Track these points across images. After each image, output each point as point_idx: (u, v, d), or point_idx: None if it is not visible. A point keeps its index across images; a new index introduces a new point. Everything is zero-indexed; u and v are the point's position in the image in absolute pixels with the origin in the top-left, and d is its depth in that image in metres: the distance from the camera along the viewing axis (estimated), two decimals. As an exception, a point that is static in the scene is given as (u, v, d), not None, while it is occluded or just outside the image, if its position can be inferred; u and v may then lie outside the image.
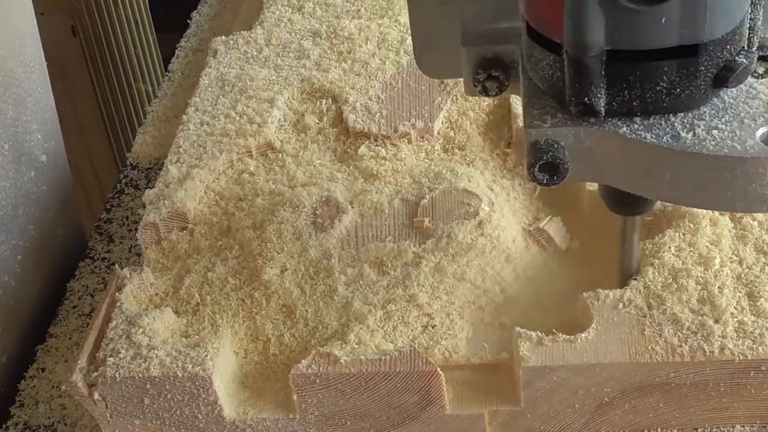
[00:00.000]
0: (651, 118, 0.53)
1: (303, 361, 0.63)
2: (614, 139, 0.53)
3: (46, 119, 0.89)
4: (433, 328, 0.69)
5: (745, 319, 0.62)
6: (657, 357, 0.61)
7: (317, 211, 0.75)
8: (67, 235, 0.92)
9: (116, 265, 0.73)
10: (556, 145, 0.53)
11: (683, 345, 0.61)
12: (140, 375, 0.63)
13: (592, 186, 0.76)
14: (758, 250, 0.67)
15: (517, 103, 0.84)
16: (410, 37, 0.63)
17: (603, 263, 0.74)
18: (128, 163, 0.99)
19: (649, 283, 0.65)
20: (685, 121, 0.53)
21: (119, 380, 0.64)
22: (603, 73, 0.51)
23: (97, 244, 0.90)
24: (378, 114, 0.84)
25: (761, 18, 0.54)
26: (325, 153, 0.83)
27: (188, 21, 1.19)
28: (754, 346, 0.61)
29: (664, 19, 0.49)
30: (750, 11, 0.52)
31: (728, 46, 0.51)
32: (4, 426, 0.75)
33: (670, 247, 0.67)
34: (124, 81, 1.45)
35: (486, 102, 0.87)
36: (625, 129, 0.53)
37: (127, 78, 1.45)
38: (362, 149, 0.82)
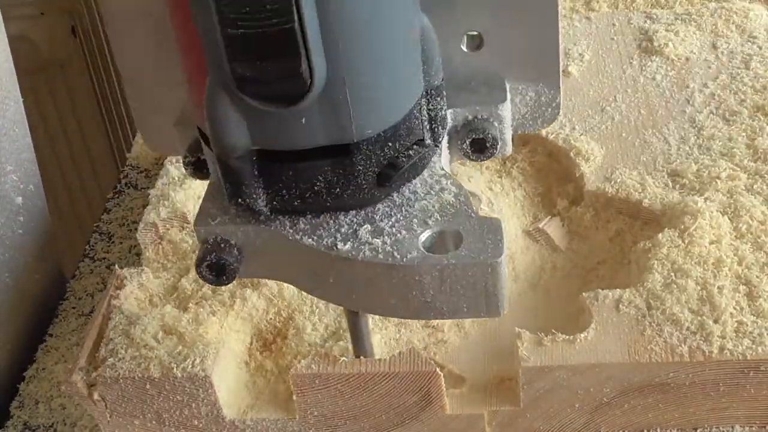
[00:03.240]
0: (320, 217, 0.51)
1: (303, 361, 0.63)
2: (280, 240, 0.51)
3: (22, 159, 0.85)
4: (433, 328, 0.69)
5: (745, 319, 0.62)
6: (656, 357, 0.61)
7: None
8: (46, 280, 0.88)
9: (116, 265, 0.73)
10: (224, 245, 0.51)
11: (682, 345, 0.61)
12: (140, 375, 0.63)
13: (592, 185, 0.76)
14: (758, 250, 0.67)
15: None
16: None
17: (602, 264, 0.74)
18: (128, 163, 0.99)
19: (649, 283, 0.65)
20: (354, 221, 0.51)
21: (119, 380, 0.64)
22: (256, 173, 0.49)
23: (97, 244, 0.90)
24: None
25: (444, 107, 0.51)
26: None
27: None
28: (754, 346, 0.61)
29: (304, 120, 0.46)
30: (426, 103, 0.50)
31: (390, 143, 0.48)
32: (4, 426, 0.75)
33: (669, 247, 0.67)
34: (124, 81, 1.45)
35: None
36: (289, 230, 0.51)
37: (127, 78, 1.45)
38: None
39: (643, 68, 0.88)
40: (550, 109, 0.57)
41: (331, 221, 0.51)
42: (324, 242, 0.50)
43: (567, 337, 0.62)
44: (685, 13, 0.94)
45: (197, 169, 0.56)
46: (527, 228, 0.76)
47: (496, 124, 0.55)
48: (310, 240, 0.50)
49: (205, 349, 0.64)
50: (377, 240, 0.49)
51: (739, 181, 0.73)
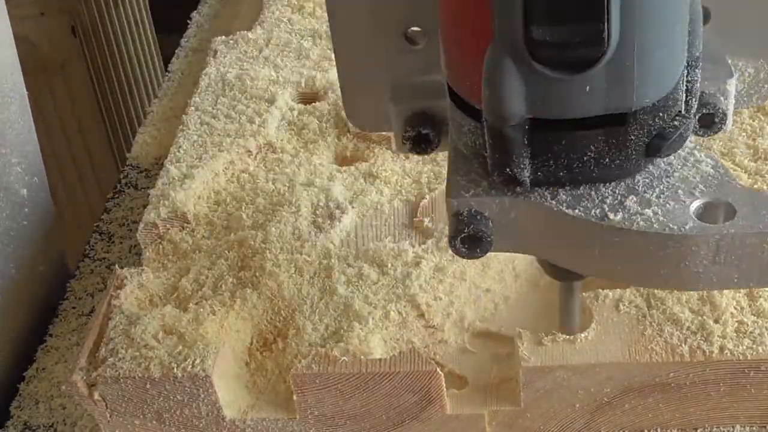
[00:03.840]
0: (580, 188, 0.50)
1: (303, 361, 0.63)
2: (540, 212, 0.50)
3: (27, 152, 0.85)
4: (433, 328, 0.69)
5: (745, 319, 0.62)
6: (657, 357, 0.61)
7: (317, 211, 0.75)
8: (51, 272, 0.89)
9: (116, 265, 0.73)
10: (479, 216, 0.51)
11: (683, 345, 0.61)
12: (140, 375, 0.63)
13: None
14: (758, 250, 0.67)
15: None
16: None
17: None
18: (128, 163, 0.99)
19: (649, 283, 0.65)
20: (617, 192, 0.50)
21: (119, 380, 0.64)
22: (526, 142, 0.48)
23: (97, 244, 0.90)
24: (378, 114, 0.84)
25: (698, 79, 0.51)
26: (325, 153, 0.83)
27: (188, 21, 1.20)
28: (754, 346, 0.61)
29: (588, 88, 0.46)
30: (686, 74, 0.49)
31: (661, 113, 0.48)
32: (4, 426, 0.75)
33: (669, 247, 0.67)
34: (124, 81, 1.45)
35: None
36: (551, 201, 0.50)
37: (127, 78, 1.46)
38: (362, 149, 0.82)
39: (644, 68, 0.88)
40: (766, 86, 0.58)
41: (593, 192, 0.50)
42: (592, 213, 0.49)
43: (567, 337, 0.62)
44: (685, 13, 0.94)
45: (416, 143, 0.55)
46: (527, 228, 0.76)
47: (723, 99, 0.54)
48: (576, 211, 0.49)
49: (205, 349, 0.64)
50: (648, 210, 0.49)
51: (739, 181, 0.73)
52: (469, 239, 0.51)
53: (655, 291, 0.65)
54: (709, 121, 0.54)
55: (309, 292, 0.70)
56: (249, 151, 0.83)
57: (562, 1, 0.43)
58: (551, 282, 0.73)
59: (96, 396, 0.64)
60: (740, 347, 0.61)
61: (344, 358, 0.63)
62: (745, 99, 0.58)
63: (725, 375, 0.61)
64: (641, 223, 0.48)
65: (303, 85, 0.90)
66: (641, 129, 0.48)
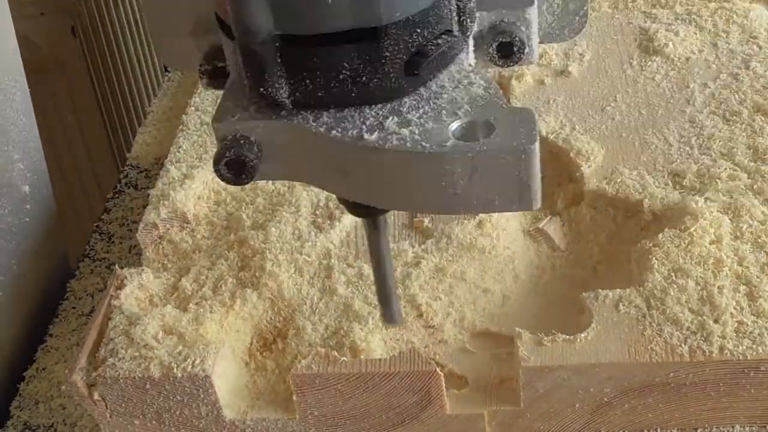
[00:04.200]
0: (345, 111, 0.48)
1: (303, 361, 0.63)
2: (303, 135, 0.49)
3: (29, 149, 0.86)
4: (433, 328, 0.69)
5: (745, 319, 0.62)
6: (656, 357, 0.61)
7: (317, 211, 0.75)
8: (52, 268, 0.89)
9: (116, 265, 0.73)
10: (243, 141, 0.49)
11: (683, 345, 0.61)
12: (140, 375, 0.63)
13: (592, 185, 0.76)
14: (758, 250, 0.67)
15: (516, 103, 0.84)
16: None
17: (602, 264, 0.74)
18: (128, 163, 0.99)
19: (649, 283, 0.65)
20: (381, 113, 0.48)
21: (119, 380, 0.64)
22: (279, 60, 0.47)
23: (97, 244, 0.90)
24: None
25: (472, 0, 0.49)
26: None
27: (188, 21, 1.19)
28: (754, 346, 0.61)
29: (330, 0, 0.44)
30: None
31: (419, 30, 0.47)
32: (4, 426, 0.74)
33: (669, 247, 0.67)
34: (124, 81, 1.45)
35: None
36: (312, 123, 0.48)
37: (127, 78, 1.45)
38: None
39: (643, 68, 0.88)
40: (577, 18, 0.56)
41: (357, 114, 0.49)
42: (349, 133, 0.48)
43: (567, 337, 0.62)
44: (685, 13, 0.94)
45: (213, 77, 0.54)
46: (527, 228, 0.76)
47: (523, 28, 0.53)
48: (334, 132, 0.48)
49: (205, 349, 0.64)
50: (405, 130, 0.47)
51: (740, 181, 0.73)
52: (233, 164, 0.49)
53: (655, 291, 0.65)
54: (508, 51, 0.53)
55: (309, 292, 0.70)
56: (249, 151, 0.82)
57: None
58: (551, 282, 0.73)
59: (96, 396, 0.64)
60: (740, 347, 0.61)
61: (344, 358, 0.63)
62: (557, 33, 0.57)
63: (725, 375, 0.61)
64: (395, 142, 0.47)
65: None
66: (396, 45, 0.46)
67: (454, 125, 0.47)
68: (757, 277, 0.65)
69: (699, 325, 0.62)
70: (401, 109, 0.49)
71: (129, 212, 0.93)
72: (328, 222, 0.74)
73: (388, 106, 0.49)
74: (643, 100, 0.84)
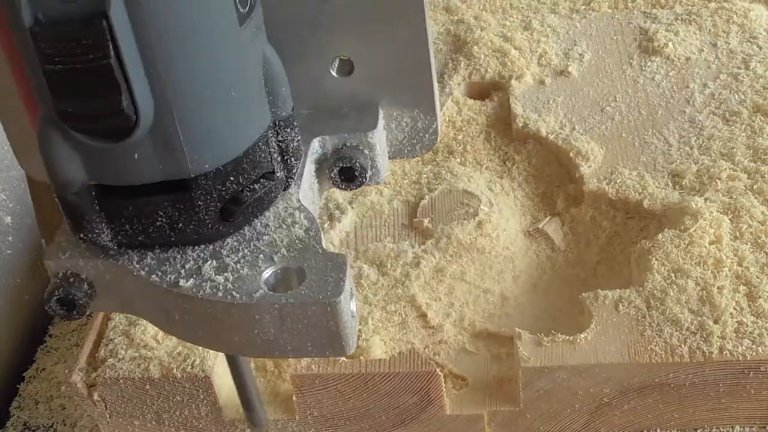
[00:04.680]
0: (168, 251, 0.49)
1: (303, 361, 0.63)
2: (127, 275, 0.49)
3: (11, 177, 0.83)
4: (433, 328, 0.69)
5: (745, 319, 0.62)
6: (656, 357, 0.61)
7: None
8: (37, 301, 0.86)
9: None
10: (73, 279, 0.50)
11: (682, 345, 0.61)
12: (140, 375, 0.63)
13: (592, 186, 0.76)
14: (758, 250, 0.67)
15: (516, 103, 0.84)
16: None
17: (602, 264, 0.74)
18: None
19: (649, 283, 0.65)
20: (201, 255, 0.49)
21: (119, 381, 0.64)
22: (97, 207, 0.47)
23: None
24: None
25: (296, 137, 0.50)
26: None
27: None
28: (753, 346, 0.61)
29: (136, 155, 0.45)
30: (275, 135, 0.49)
31: (233, 177, 0.47)
32: (4, 426, 0.75)
33: (669, 247, 0.67)
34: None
35: (485, 103, 0.87)
36: (135, 265, 0.49)
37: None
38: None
39: (643, 68, 0.88)
40: (427, 135, 0.56)
41: (178, 256, 0.49)
42: (167, 278, 0.48)
43: (567, 337, 0.62)
44: (685, 13, 0.94)
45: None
46: (527, 228, 0.76)
47: (366, 151, 0.54)
48: (154, 276, 0.49)
49: (204, 349, 0.64)
50: (219, 277, 0.48)
51: (739, 182, 0.73)
52: (63, 301, 0.50)
53: (655, 292, 0.65)
54: (350, 175, 0.54)
55: (309, 293, 0.70)
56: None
57: (76, 75, 0.42)
58: (551, 282, 0.73)
59: (96, 397, 0.64)
60: (740, 348, 0.61)
61: (344, 358, 0.63)
62: (408, 149, 0.57)
63: (725, 375, 0.61)
64: (208, 290, 0.47)
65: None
66: (208, 194, 0.47)
67: (268, 272, 0.48)
68: (757, 277, 0.65)
69: (699, 325, 0.62)
70: (222, 251, 0.49)
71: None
72: (328, 222, 0.74)
73: (210, 247, 0.49)
74: (643, 100, 0.84)
